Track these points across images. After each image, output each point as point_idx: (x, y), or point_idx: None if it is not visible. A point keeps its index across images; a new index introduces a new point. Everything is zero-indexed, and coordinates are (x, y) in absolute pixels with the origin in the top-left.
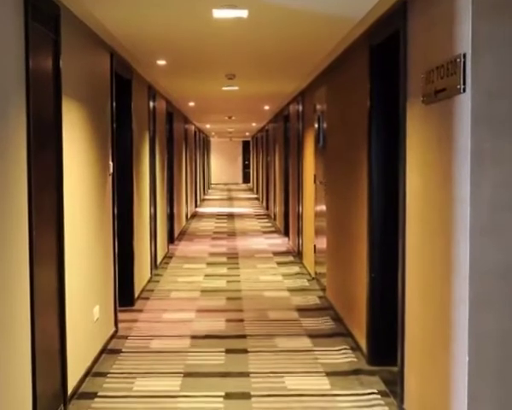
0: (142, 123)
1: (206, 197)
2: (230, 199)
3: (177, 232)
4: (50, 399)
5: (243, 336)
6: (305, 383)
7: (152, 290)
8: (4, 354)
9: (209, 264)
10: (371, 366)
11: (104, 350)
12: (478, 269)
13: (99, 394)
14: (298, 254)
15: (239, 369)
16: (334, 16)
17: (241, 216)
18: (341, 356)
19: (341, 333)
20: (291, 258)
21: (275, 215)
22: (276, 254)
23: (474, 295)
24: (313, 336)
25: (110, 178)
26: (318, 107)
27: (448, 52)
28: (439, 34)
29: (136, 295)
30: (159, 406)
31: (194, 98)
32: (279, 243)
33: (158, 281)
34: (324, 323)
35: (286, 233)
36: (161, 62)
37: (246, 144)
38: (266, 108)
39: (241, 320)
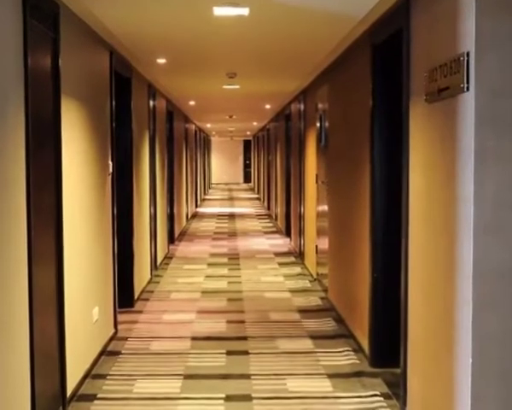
0: (141, 122)
1: (207, 197)
2: (231, 199)
3: (177, 233)
4: (49, 401)
5: (244, 338)
6: (306, 385)
7: (152, 291)
8: (2, 355)
9: (210, 265)
10: (373, 367)
11: (103, 352)
12: (481, 268)
13: (98, 396)
14: (299, 255)
15: (240, 371)
16: (336, 14)
17: (242, 216)
18: (343, 358)
19: (343, 335)
20: (292, 259)
21: (276, 215)
22: (278, 254)
23: (477, 296)
24: (315, 337)
25: (110, 178)
26: (320, 106)
27: (451, 50)
28: (443, 32)
29: (136, 296)
30: (159, 408)
31: (195, 97)
32: (280, 243)
33: (158, 282)
34: (326, 324)
35: (287, 234)
36: (161, 61)
37: (247, 144)
38: (267, 107)
39: (242, 322)
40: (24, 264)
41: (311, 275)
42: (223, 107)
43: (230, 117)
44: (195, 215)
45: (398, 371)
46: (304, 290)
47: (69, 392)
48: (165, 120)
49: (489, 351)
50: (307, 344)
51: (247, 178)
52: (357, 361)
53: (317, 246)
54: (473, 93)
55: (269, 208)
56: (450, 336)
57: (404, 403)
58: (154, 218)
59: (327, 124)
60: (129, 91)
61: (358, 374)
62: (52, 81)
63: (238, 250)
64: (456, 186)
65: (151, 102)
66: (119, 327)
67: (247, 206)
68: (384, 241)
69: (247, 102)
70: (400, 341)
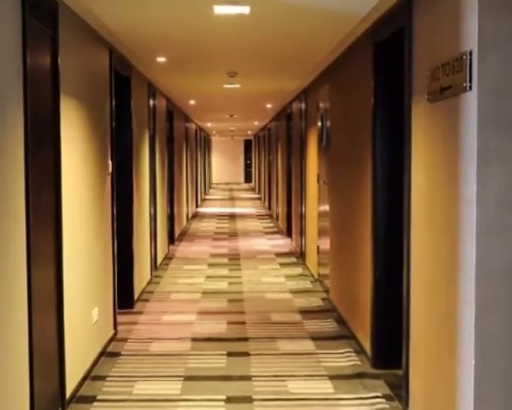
0: (141, 121)
1: (208, 197)
2: (232, 199)
3: (177, 233)
4: (48, 402)
5: (245, 339)
6: (307, 386)
7: (152, 292)
8: (1, 356)
9: (210, 265)
10: (375, 369)
11: (103, 353)
12: (484, 269)
13: (98, 397)
14: (301, 255)
15: (240, 372)
16: (337, 13)
17: (243, 216)
18: (345, 359)
19: (345, 336)
20: (294, 259)
21: (277, 215)
22: (279, 255)
23: (479, 297)
24: (316, 338)
25: (109, 178)
26: (321, 105)
27: (454, 49)
28: (445, 31)
29: (136, 296)
30: None
31: (195, 96)
32: (281, 243)
33: (158, 282)
34: (328, 325)
35: (288, 234)
36: (161, 59)
37: (248, 143)
38: (268, 106)
39: (243, 323)
40: (23, 264)
41: (313, 276)
42: (223, 106)
43: (231, 116)
44: (196, 215)
45: (400, 372)
46: (305, 291)
47: (68, 393)
48: (166, 119)
49: (492, 352)
50: (308, 345)
51: (247, 178)
52: (359, 363)
53: (318, 246)
54: (475, 92)
55: (270, 208)
56: (453, 337)
57: (406, 405)
58: (153, 218)
59: (328, 123)
60: (129, 90)
61: (360, 375)
62: (51, 80)
63: (239, 251)
64: (459, 186)
65: (151, 101)
66: (119, 328)
67: (247, 206)
68: (386, 241)
69: (247, 101)
70: (402, 342)
